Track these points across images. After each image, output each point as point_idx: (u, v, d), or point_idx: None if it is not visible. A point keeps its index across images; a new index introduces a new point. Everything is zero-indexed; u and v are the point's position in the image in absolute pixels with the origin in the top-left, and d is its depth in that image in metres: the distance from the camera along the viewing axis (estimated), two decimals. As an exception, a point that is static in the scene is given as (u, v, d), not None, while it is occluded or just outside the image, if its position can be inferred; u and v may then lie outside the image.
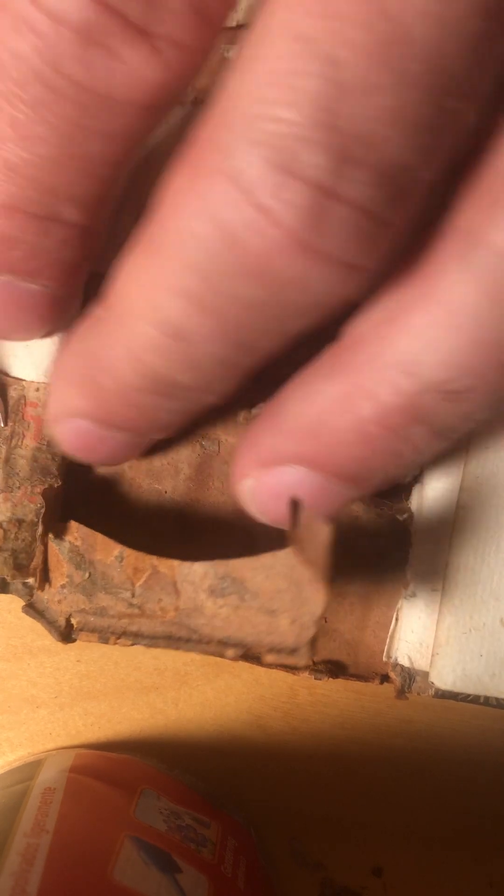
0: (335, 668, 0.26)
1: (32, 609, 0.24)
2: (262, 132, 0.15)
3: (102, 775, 0.25)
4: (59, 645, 0.27)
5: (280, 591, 0.22)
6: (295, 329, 0.18)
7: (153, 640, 0.23)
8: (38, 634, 0.28)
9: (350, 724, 0.28)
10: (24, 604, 0.24)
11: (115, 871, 0.21)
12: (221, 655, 0.23)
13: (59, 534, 0.23)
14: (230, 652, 0.23)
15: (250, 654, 0.23)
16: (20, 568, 0.23)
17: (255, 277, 0.16)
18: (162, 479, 0.25)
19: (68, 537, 0.23)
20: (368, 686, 0.28)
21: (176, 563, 0.23)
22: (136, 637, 0.24)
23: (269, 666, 0.24)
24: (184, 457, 0.25)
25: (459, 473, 0.24)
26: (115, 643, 0.24)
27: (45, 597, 0.24)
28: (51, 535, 0.23)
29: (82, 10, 0.15)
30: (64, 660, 0.28)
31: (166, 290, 0.17)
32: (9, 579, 0.24)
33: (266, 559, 0.22)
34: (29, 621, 0.27)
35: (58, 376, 0.21)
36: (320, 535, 0.20)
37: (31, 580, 0.24)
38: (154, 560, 0.23)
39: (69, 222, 0.19)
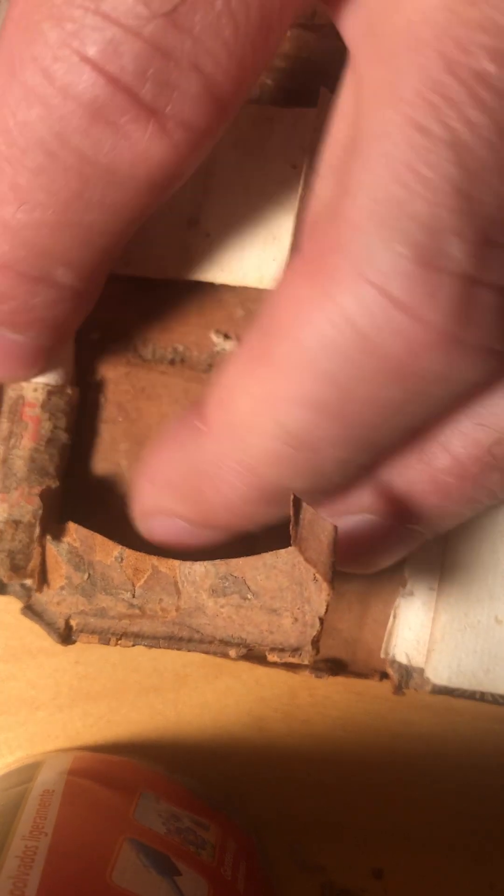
0: (335, 666, 0.26)
1: (31, 611, 0.24)
2: (398, 229, 0.14)
3: (101, 777, 0.25)
4: (58, 646, 0.27)
5: (282, 590, 0.22)
6: (423, 421, 0.18)
7: (154, 641, 0.23)
8: (36, 636, 0.27)
9: (351, 725, 0.28)
10: (22, 605, 0.24)
11: (114, 874, 0.21)
12: (225, 655, 0.23)
13: (58, 535, 0.23)
14: (233, 651, 0.23)
15: (253, 654, 0.23)
16: (17, 569, 0.23)
17: (397, 379, 0.16)
18: (161, 479, 0.25)
19: (66, 539, 0.23)
20: (369, 688, 0.27)
21: (177, 562, 0.23)
22: (137, 638, 0.23)
23: (273, 665, 0.24)
24: (183, 457, 0.25)
25: None
26: (116, 644, 0.24)
27: (44, 598, 0.24)
28: (48, 537, 0.23)
29: (94, 87, 0.15)
30: (63, 661, 0.28)
31: (289, 402, 0.17)
32: (5, 580, 0.24)
33: (268, 558, 0.22)
34: (28, 622, 0.27)
35: (150, 479, 0.21)
36: (323, 533, 0.20)
37: (28, 581, 0.24)
38: (154, 560, 0.23)
39: (61, 284, 0.19)
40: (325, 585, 0.20)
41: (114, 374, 0.25)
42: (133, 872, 0.21)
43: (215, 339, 0.25)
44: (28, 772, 0.25)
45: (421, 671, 0.25)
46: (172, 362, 0.25)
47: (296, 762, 0.28)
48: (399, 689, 0.25)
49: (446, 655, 0.24)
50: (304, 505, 0.20)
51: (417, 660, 0.25)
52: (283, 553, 0.21)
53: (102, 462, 0.25)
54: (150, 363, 0.25)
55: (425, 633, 0.25)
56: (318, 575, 0.20)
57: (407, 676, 0.25)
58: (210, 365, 0.25)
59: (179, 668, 0.28)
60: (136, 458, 0.25)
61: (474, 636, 0.24)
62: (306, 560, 0.20)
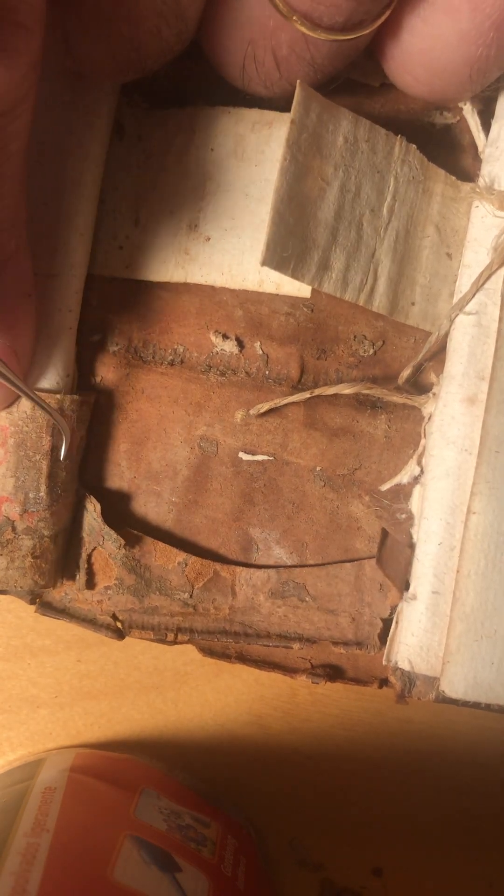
0: (333, 673, 0.26)
1: (51, 608, 0.25)
2: None
3: (103, 775, 0.25)
4: (60, 645, 0.28)
5: (341, 595, 0.25)
6: None
7: (209, 636, 0.25)
8: (38, 634, 0.28)
9: (350, 723, 0.28)
10: (33, 605, 0.25)
11: (116, 871, 0.21)
12: (287, 648, 0.25)
13: (114, 540, 0.24)
14: (296, 645, 0.25)
15: (257, 657, 0.25)
16: (57, 574, 0.25)
17: None
18: (160, 480, 0.25)
19: (126, 544, 0.25)
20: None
21: (238, 568, 0.25)
22: (191, 633, 0.25)
23: (274, 670, 0.26)
24: (182, 458, 0.25)
25: (468, 478, 0.24)
26: (174, 640, 0.25)
27: (69, 596, 0.25)
28: (103, 541, 0.24)
29: None
30: (64, 660, 0.28)
31: None
32: (51, 587, 0.25)
33: (331, 569, 0.25)
34: (30, 621, 0.28)
35: None
36: (402, 556, 0.24)
37: (72, 582, 0.25)
38: (217, 566, 0.25)
39: None
40: (396, 594, 0.24)
41: (114, 376, 0.25)
42: (134, 869, 0.22)
43: (215, 340, 0.25)
44: (30, 769, 0.26)
45: (425, 678, 0.24)
46: (172, 363, 0.25)
47: (296, 760, 0.28)
48: (402, 698, 0.25)
49: (462, 667, 0.23)
50: (391, 534, 0.25)
51: (421, 666, 0.24)
52: (348, 566, 0.25)
53: (103, 462, 0.25)
54: (151, 364, 0.25)
55: (430, 639, 0.24)
56: (393, 587, 0.24)
57: (410, 684, 0.24)
58: (209, 366, 0.25)
59: (180, 667, 0.28)
60: (136, 459, 0.25)
61: (491, 646, 0.23)
62: (386, 575, 0.24)
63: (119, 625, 0.25)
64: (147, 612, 0.25)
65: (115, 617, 0.25)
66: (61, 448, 0.23)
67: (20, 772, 0.26)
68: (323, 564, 0.25)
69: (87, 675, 0.28)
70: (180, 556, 0.25)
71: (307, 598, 0.25)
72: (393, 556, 0.24)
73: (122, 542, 0.24)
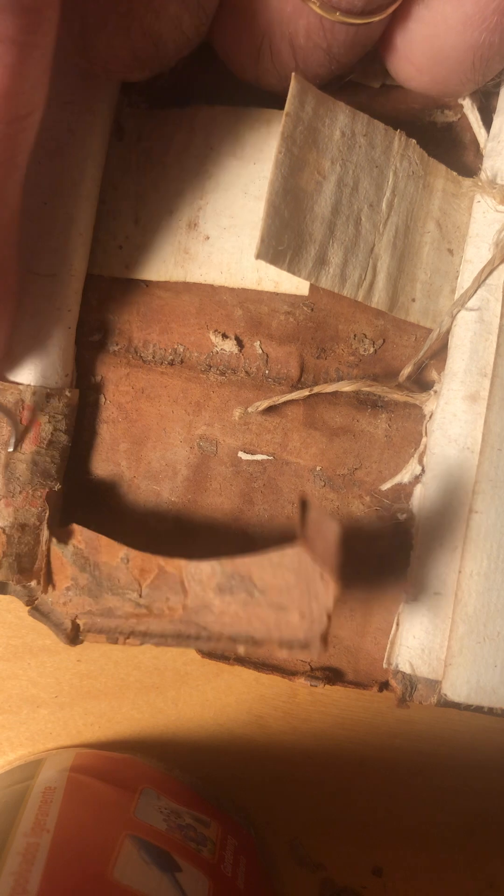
0: (332, 676, 0.25)
1: (38, 611, 0.24)
2: None
3: (103, 775, 0.25)
4: (60, 644, 0.28)
5: (288, 587, 0.22)
6: None
7: (163, 639, 0.23)
8: (38, 634, 0.28)
9: (350, 723, 0.28)
10: (28, 606, 0.25)
11: (115, 871, 0.21)
12: (233, 652, 0.23)
13: (62, 538, 0.23)
14: (241, 648, 0.23)
15: (256, 659, 0.23)
16: (23, 571, 0.24)
17: None
18: (160, 480, 0.25)
19: (72, 541, 0.23)
20: (369, 686, 0.28)
21: (183, 562, 0.23)
22: (145, 636, 0.24)
23: (269, 672, 0.24)
24: (181, 458, 0.25)
25: (470, 476, 0.24)
26: (125, 643, 0.24)
27: (50, 598, 0.24)
28: (54, 539, 0.23)
29: None
30: (64, 659, 0.28)
31: None
32: (13, 583, 0.24)
33: (274, 556, 0.22)
34: (30, 621, 0.28)
35: None
36: (329, 532, 0.20)
37: (32, 583, 0.24)
38: (160, 560, 0.23)
39: None
40: (331, 583, 0.20)
41: (114, 375, 0.25)
42: (134, 869, 0.22)
43: (214, 339, 0.25)
44: (30, 769, 0.26)
45: (427, 681, 0.24)
46: (172, 363, 0.25)
47: (296, 760, 0.28)
48: (403, 702, 0.24)
49: (465, 670, 0.23)
50: (311, 505, 0.21)
51: (423, 669, 0.24)
52: (290, 551, 0.21)
53: (103, 462, 0.25)
54: (150, 364, 0.25)
55: (431, 641, 0.24)
56: (324, 571, 0.20)
57: (411, 688, 0.24)
58: (209, 365, 0.25)
59: (180, 666, 0.28)
60: (136, 459, 0.25)
61: (494, 649, 0.23)
62: (313, 559, 0.20)
63: (80, 626, 0.24)
64: (104, 615, 0.24)
65: (76, 620, 0.24)
66: (10, 438, 0.23)
67: (20, 772, 0.26)
68: (263, 552, 0.22)
69: (87, 674, 0.28)
70: (122, 550, 0.23)
71: (256, 593, 0.22)
72: (319, 534, 0.20)
73: (48, 535, 0.23)
